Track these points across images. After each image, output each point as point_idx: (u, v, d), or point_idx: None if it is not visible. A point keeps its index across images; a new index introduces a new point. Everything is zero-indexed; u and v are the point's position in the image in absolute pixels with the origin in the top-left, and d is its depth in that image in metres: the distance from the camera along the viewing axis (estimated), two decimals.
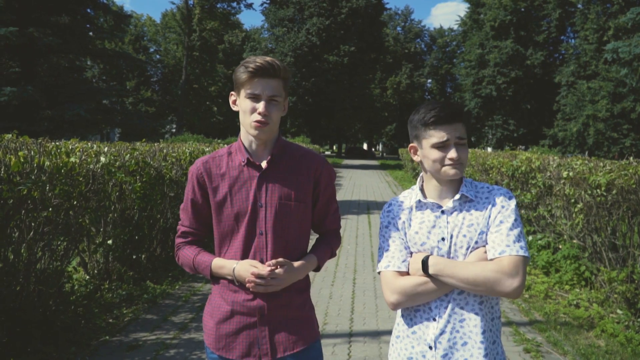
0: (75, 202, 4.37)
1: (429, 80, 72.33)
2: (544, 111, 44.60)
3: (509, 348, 4.33)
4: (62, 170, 4.05)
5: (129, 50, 45.20)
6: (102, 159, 4.91)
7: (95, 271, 5.61)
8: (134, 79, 48.77)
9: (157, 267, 6.49)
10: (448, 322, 1.72)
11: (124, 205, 5.63)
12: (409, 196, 1.91)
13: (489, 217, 1.74)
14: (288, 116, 41.24)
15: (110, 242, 5.41)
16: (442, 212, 1.79)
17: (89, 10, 23.53)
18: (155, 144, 8.26)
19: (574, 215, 5.93)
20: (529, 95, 45.53)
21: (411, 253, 1.82)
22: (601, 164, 5.92)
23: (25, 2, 19.73)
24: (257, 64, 1.80)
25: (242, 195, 1.89)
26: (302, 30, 40.95)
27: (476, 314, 1.71)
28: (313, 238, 2.06)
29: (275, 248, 1.88)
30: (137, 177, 5.75)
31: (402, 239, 1.84)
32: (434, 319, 1.74)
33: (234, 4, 46.68)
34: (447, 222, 1.77)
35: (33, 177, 3.73)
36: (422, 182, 1.88)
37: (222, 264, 1.89)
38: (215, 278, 1.95)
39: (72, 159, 4.23)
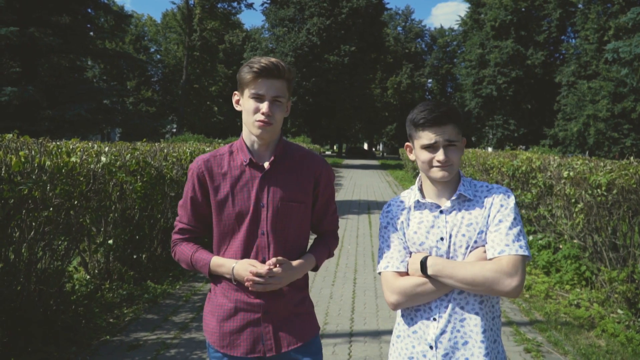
0: (76, 202, 4.37)
1: (430, 80, 72.28)
2: (544, 111, 44.58)
3: (509, 348, 4.33)
4: (63, 170, 4.05)
5: (129, 50, 45.24)
6: (103, 158, 4.92)
7: (96, 271, 5.61)
8: (135, 78, 48.84)
9: (158, 266, 6.49)
10: (448, 321, 1.72)
11: (124, 205, 5.63)
12: (408, 196, 1.91)
13: (488, 216, 1.74)
14: (288, 116, 41.01)
15: (110, 241, 5.41)
16: (441, 212, 1.79)
17: (89, 10, 23.56)
18: (156, 144, 8.26)
19: (574, 215, 5.93)
20: (530, 95, 45.50)
21: (410, 253, 1.82)
22: (602, 164, 5.92)
23: (26, 2, 19.74)
24: (262, 64, 1.81)
25: (243, 195, 1.90)
26: (302, 30, 40.94)
27: (476, 313, 1.72)
28: (311, 238, 2.07)
29: (277, 248, 1.89)
30: (138, 177, 5.75)
31: (401, 239, 1.84)
32: (435, 319, 1.74)
33: (235, 4, 46.69)
34: (446, 222, 1.77)
35: (34, 176, 3.74)
36: (421, 182, 1.89)
37: (221, 263, 1.89)
38: (213, 276, 1.96)
39: (73, 159, 4.23)
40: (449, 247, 1.75)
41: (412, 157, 1.86)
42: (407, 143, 1.88)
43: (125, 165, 5.47)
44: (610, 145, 33.09)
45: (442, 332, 1.72)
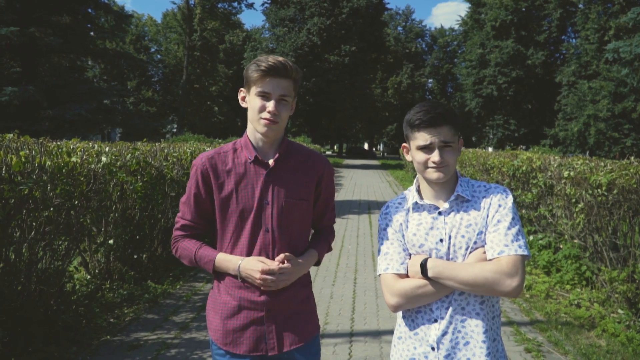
0: (76, 202, 4.38)
1: (430, 80, 72.25)
2: (544, 111, 44.57)
3: (510, 348, 4.33)
4: (64, 170, 4.06)
5: (130, 50, 45.24)
6: (103, 158, 4.92)
7: (97, 271, 5.61)
8: (135, 78, 48.86)
9: (158, 266, 6.50)
10: (450, 322, 1.72)
11: (125, 205, 5.63)
12: (406, 198, 1.91)
13: (487, 216, 1.74)
14: (289, 116, 41.11)
15: (111, 241, 5.41)
16: (439, 213, 1.79)
17: (90, 10, 23.57)
18: (156, 144, 8.27)
19: (575, 215, 5.93)
20: (530, 95, 45.49)
21: (410, 255, 1.82)
22: (602, 164, 5.93)
23: (26, 2, 19.75)
24: (270, 63, 1.82)
25: (248, 192, 1.91)
26: (303, 30, 40.92)
27: (477, 313, 1.72)
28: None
29: (281, 244, 1.91)
30: (138, 177, 5.75)
31: (401, 241, 1.84)
32: (436, 320, 1.74)
33: (235, 4, 46.73)
34: (445, 223, 1.77)
35: (34, 176, 3.74)
36: (418, 183, 1.88)
37: (227, 259, 1.90)
38: (217, 273, 1.96)
39: (73, 159, 4.23)
40: (448, 248, 1.75)
41: (408, 157, 1.86)
42: (404, 144, 1.89)
43: (126, 165, 5.47)
44: (611, 145, 33.07)
45: (444, 333, 1.72)
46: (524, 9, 44.90)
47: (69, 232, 4.42)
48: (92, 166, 4.69)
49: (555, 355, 4.26)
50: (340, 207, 13.44)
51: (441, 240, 1.76)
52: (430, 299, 1.73)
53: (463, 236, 1.74)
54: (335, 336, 4.58)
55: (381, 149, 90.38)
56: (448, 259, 1.74)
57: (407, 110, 1.81)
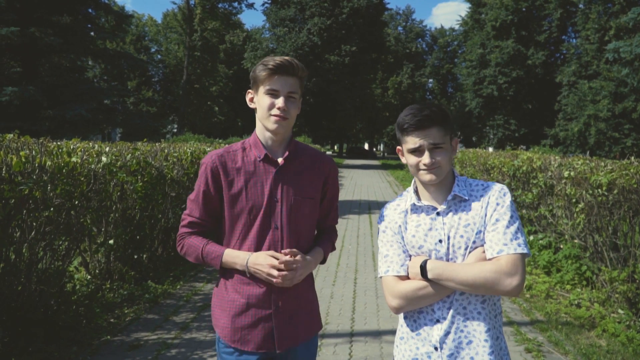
0: (76, 202, 4.38)
1: (430, 80, 72.24)
2: (545, 111, 44.54)
3: (510, 348, 4.33)
4: (64, 170, 4.06)
5: (130, 50, 45.22)
6: (104, 158, 4.92)
7: (97, 271, 5.61)
8: (135, 79, 48.86)
9: (159, 267, 6.50)
10: (452, 322, 1.72)
11: (125, 205, 5.63)
12: (404, 199, 1.91)
13: (485, 215, 1.73)
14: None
15: (111, 241, 5.41)
16: (437, 213, 1.79)
17: (90, 10, 23.58)
18: (157, 144, 8.27)
19: (575, 215, 5.93)
20: (530, 95, 45.47)
21: (410, 256, 1.82)
22: (602, 164, 5.92)
23: (26, 2, 19.75)
24: (277, 62, 1.87)
25: (257, 190, 1.94)
26: (303, 30, 40.92)
27: (479, 313, 1.72)
28: None
29: (290, 241, 1.95)
30: (139, 177, 5.75)
31: (400, 243, 1.84)
32: (438, 321, 1.74)
33: (235, 4, 46.77)
34: (443, 224, 1.77)
35: (34, 177, 3.74)
36: (416, 185, 1.88)
37: (235, 255, 1.93)
38: (224, 271, 1.99)
39: (74, 159, 4.23)
40: (447, 249, 1.74)
41: (404, 160, 1.86)
42: (398, 147, 1.89)
43: (126, 166, 5.47)
44: (611, 145, 33.05)
45: (447, 333, 1.72)
46: (524, 9, 44.88)
47: (69, 232, 4.43)
48: (93, 166, 4.69)
49: (556, 355, 4.26)
50: (341, 207, 13.44)
51: (440, 241, 1.75)
52: (432, 300, 1.73)
53: (462, 236, 1.73)
54: (335, 336, 4.58)
55: (381, 149, 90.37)
56: (448, 260, 1.74)
57: (403, 112, 1.81)
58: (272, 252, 1.89)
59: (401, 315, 1.89)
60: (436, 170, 1.74)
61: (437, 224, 1.78)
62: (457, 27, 64.41)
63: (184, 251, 2.01)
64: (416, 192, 1.87)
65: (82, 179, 4.42)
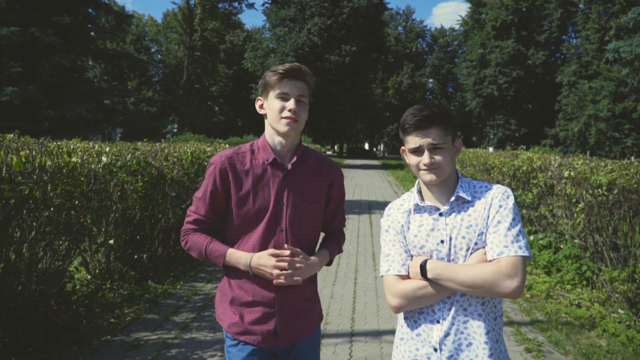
0: (76, 202, 4.38)
1: (431, 80, 72.22)
2: (545, 111, 44.55)
3: (510, 348, 4.33)
4: (64, 170, 4.06)
5: (130, 50, 45.22)
6: (104, 158, 4.92)
7: (97, 271, 5.61)
8: (136, 79, 48.88)
9: (159, 266, 6.50)
10: (452, 324, 1.72)
11: (125, 205, 5.63)
12: (408, 199, 1.91)
13: (487, 217, 1.73)
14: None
15: (111, 241, 5.42)
16: (440, 214, 1.79)
17: (90, 10, 23.59)
18: (157, 144, 8.27)
19: (575, 215, 5.93)
20: (531, 95, 45.49)
21: (412, 256, 1.82)
22: (602, 164, 5.92)
23: (26, 2, 19.76)
24: (286, 67, 1.96)
25: (264, 193, 1.98)
26: (303, 30, 40.92)
27: (479, 314, 1.71)
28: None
29: (293, 244, 1.99)
30: (139, 177, 5.75)
31: (402, 243, 1.84)
32: (438, 322, 1.74)
33: (235, 4, 46.80)
34: (446, 225, 1.76)
35: (35, 177, 3.74)
36: (420, 185, 1.88)
37: (238, 255, 1.97)
38: (228, 268, 2.03)
39: (74, 159, 4.23)
40: (449, 249, 1.74)
41: (408, 160, 1.87)
42: (402, 147, 1.90)
43: (126, 165, 5.47)
44: (611, 145, 33.08)
45: (446, 335, 1.72)
46: (524, 9, 44.90)
47: (69, 232, 4.43)
48: (93, 166, 4.69)
49: (556, 355, 4.26)
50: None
51: (442, 242, 1.75)
52: (432, 300, 1.73)
53: (464, 237, 1.73)
54: (335, 336, 4.58)
55: (382, 149, 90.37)
56: (449, 260, 1.74)
57: (405, 113, 1.81)
58: (273, 251, 1.93)
59: (401, 316, 1.89)
60: (436, 170, 1.74)
61: (439, 224, 1.78)
62: (457, 27, 64.52)
63: (188, 246, 2.06)
64: (419, 192, 1.87)
65: (82, 179, 4.42)
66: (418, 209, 1.84)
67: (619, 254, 5.16)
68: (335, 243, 2.21)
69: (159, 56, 56.43)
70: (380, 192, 18.67)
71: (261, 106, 2.04)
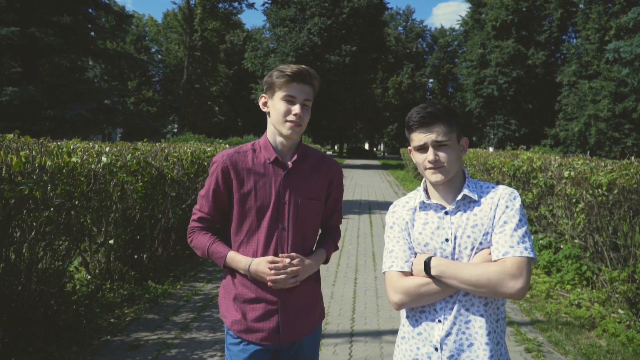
0: (76, 202, 4.38)
1: (431, 80, 72.27)
2: (545, 111, 44.56)
3: (510, 348, 4.33)
4: (64, 170, 4.06)
5: (130, 50, 45.24)
6: (104, 158, 4.92)
7: (97, 271, 5.61)
8: (136, 79, 48.88)
9: (159, 267, 6.50)
10: (454, 323, 1.71)
11: (125, 205, 5.63)
12: (414, 197, 1.90)
13: (494, 217, 1.72)
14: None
15: (111, 241, 5.42)
16: (446, 212, 1.78)
17: (90, 10, 23.58)
18: (157, 144, 8.27)
19: (575, 215, 5.93)
20: (531, 95, 45.48)
21: (416, 254, 1.81)
22: (602, 164, 5.92)
23: (26, 2, 19.76)
24: (294, 69, 1.95)
25: (266, 191, 2.01)
26: (303, 30, 40.92)
27: (481, 315, 1.70)
28: None
29: (295, 241, 2.04)
30: (139, 177, 5.75)
31: (406, 240, 1.83)
32: (440, 321, 1.73)
33: (236, 4, 46.77)
34: (451, 223, 1.76)
35: (34, 177, 3.74)
36: (426, 183, 1.88)
37: (238, 259, 2.01)
38: (228, 267, 2.07)
39: (74, 159, 4.23)
40: (454, 248, 1.73)
41: (414, 159, 1.87)
42: (408, 147, 1.90)
43: (126, 166, 5.47)
44: (611, 145, 33.09)
45: (448, 334, 1.71)
46: (524, 9, 44.90)
47: (69, 232, 4.43)
48: (93, 166, 4.69)
49: (556, 355, 4.26)
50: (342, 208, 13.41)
51: (447, 240, 1.75)
52: (434, 298, 1.72)
53: (469, 236, 1.72)
54: (335, 336, 4.58)
55: (382, 149, 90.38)
56: (453, 259, 1.73)
57: (408, 110, 1.83)
58: (271, 258, 1.96)
59: (403, 315, 1.88)
60: (441, 169, 1.74)
61: (444, 222, 1.77)
62: (457, 27, 64.56)
63: (193, 245, 2.11)
64: (426, 190, 1.86)
65: (82, 179, 4.42)
66: (424, 207, 1.84)
67: (619, 254, 5.16)
68: (331, 241, 2.23)
69: (159, 56, 56.43)
70: (380, 192, 18.67)
71: (265, 104, 2.06)
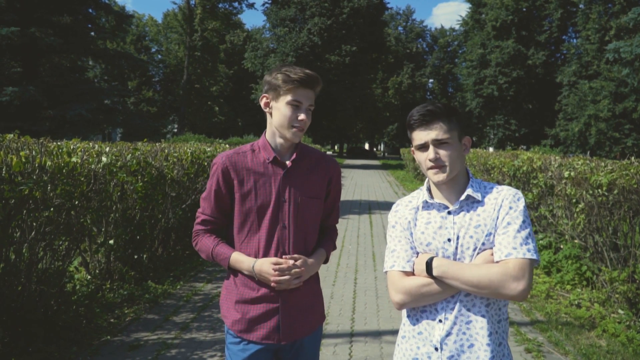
0: (76, 202, 4.38)
1: (431, 80, 72.27)
2: (545, 111, 44.55)
3: (510, 348, 4.32)
4: (64, 170, 4.06)
5: (130, 50, 45.26)
6: (104, 159, 4.92)
7: (97, 271, 5.61)
8: (136, 79, 48.86)
9: (159, 267, 6.50)
10: (454, 323, 1.70)
11: (125, 205, 5.63)
12: (417, 196, 1.89)
13: (497, 218, 1.71)
14: None
15: (111, 242, 5.41)
16: (449, 212, 1.77)
17: (90, 10, 23.60)
18: (157, 144, 8.27)
19: (575, 215, 5.93)
20: (531, 95, 45.48)
21: (418, 253, 1.80)
22: (603, 164, 5.92)
23: (27, 2, 19.77)
24: (301, 75, 1.96)
25: (266, 190, 2.03)
26: (303, 30, 40.92)
27: (482, 316, 1.69)
28: None
29: (296, 240, 2.05)
30: (139, 177, 5.75)
31: (408, 239, 1.82)
32: (440, 321, 1.72)
33: (236, 4, 46.78)
34: (454, 223, 1.75)
35: (34, 177, 3.74)
36: (429, 182, 1.87)
37: (242, 260, 2.03)
38: (232, 269, 2.09)
39: (74, 159, 4.23)
40: (456, 248, 1.72)
41: (416, 159, 1.87)
42: (411, 147, 1.90)
43: (126, 166, 5.47)
44: (612, 145, 33.08)
45: (448, 334, 1.70)
46: (524, 9, 44.89)
47: (69, 232, 4.43)
48: (93, 166, 4.69)
49: (556, 355, 4.26)
50: (341, 207, 13.39)
51: (449, 240, 1.73)
52: (435, 298, 1.71)
53: (471, 237, 1.71)
54: (335, 336, 4.58)
55: (382, 149, 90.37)
56: (455, 259, 1.72)
57: (408, 110, 1.83)
58: (275, 259, 1.97)
59: (404, 314, 1.87)
60: (443, 168, 1.73)
61: (447, 222, 1.76)
62: (457, 27, 64.58)
63: (198, 248, 2.13)
64: (429, 190, 1.86)
65: (82, 179, 4.42)
66: (426, 206, 1.83)
67: (619, 254, 5.16)
68: (330, 240, 2.25)
69: (159, 56, 56.41)
70: (380, 192, 18.67)
71: (267, 104, 2.05)
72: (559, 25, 44.75)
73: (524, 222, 1.69)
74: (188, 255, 7.28)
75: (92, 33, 23.95)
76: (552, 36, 45.55)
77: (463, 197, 1.76)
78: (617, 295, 4.97)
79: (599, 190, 5.20)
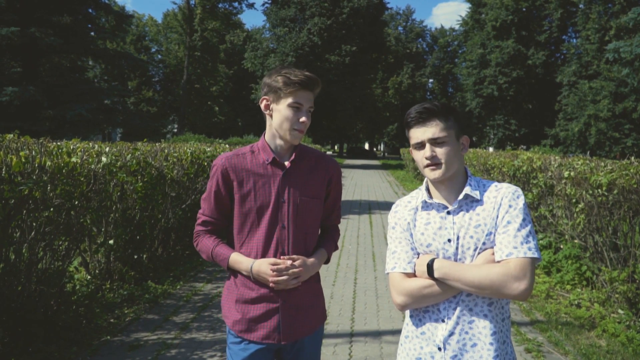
0: (76, 202, 4.38)
1: (431, 80, 72.27)
2: (545, 111, 44.55)
3: None
4: (64, 170, 4.06)
5: (130, 50, 45.25)
6: (104, 159, 4.92)
7: (97, 271, 5.61)
8: (136, 79, 48.85)
9: (159, 267, 6.50)
10: (457, 323, 1.70)
11: (125, 205, 5.63)
12: (416, 196, 1.89)
13: (497, 217, 1.70)
14: None
15: (111, 242, 5.41)
16: (448, 212, 1.76)
17: (90, 11, 23.62)
18: (157, 144, 8.27)
19: (575, 215, 5.93)
20: (531, 95, 45.48)
21: (418, 254, 1.80)
22: (602, 164, 5.92)
23: (27, 2, 19.77)
24: (302, 77, 1.96)
25: (265, 191, 2.04)
26: (303, 30, 40.92)
27: (485, 315, 1.69)
28: None
29: (295, 240, 2.06)
30: (139, 177, 5.75)
31: (409, 240, 1.81)
32: (443, 320, 1.72)
33: (236, 4, 46.79)
34: (453, 223, 1.74)
35: (34, 177, 3.74)
36: (428, 182, 1.86)
37: (240, 260, 2.04)
38: (232, 270, 2.10)
39: (74, 159, 4.23)
40: (456, 248, 1.72)
41: (414, 158, 1.86)
42: (410, 147, 1.89)
43: (126, 166, 5.47)
44: (611, 145, 33.07)
45: (451, 334, 1.70)
46: (524, 9, 44.89)
47: (69, 232, 4.43)
48: (92, 166, 4.69)
49: (556, 355, 4.26)
50: (341, 207, 13.42)
51: (449, 241, 1.73)
52: (437, 299, 1.71)
53: (472, 237, 1.70)
54: (335, 336, 4.58)
55: (382, 149, 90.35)
56: (456, 260, 1.71)
57: (408, 110, 1.82)
58: (274, 260, 1.98)
59: (407, 314, 1.87)
60: (439, 166, 1.72)
61: (447, 223, 1.75)
62: (457, 27, 64.52)
63: (199, 248, 2.15)
64: (428, 189, 1.85)
65: (82, 179, 4.42)
66: (425, 206, 1.82)
67: (618, 254, 5.16)
68: (331, 240, 2.25)
69: (159, 56, 56.40)
70: (380, 192, 18.67)
71: (267, 106, 2.05)
72: (558, 25, 44.74)
73: (524, 220, 1.68)
74: (188, 255, 7.28)
75: (92, 33, 23.96)
76: (552, 36, 45.55)
77: (461, 196, 1.75)
78: (617, 295, 4.97)
79: (599, 190, 5.20)
